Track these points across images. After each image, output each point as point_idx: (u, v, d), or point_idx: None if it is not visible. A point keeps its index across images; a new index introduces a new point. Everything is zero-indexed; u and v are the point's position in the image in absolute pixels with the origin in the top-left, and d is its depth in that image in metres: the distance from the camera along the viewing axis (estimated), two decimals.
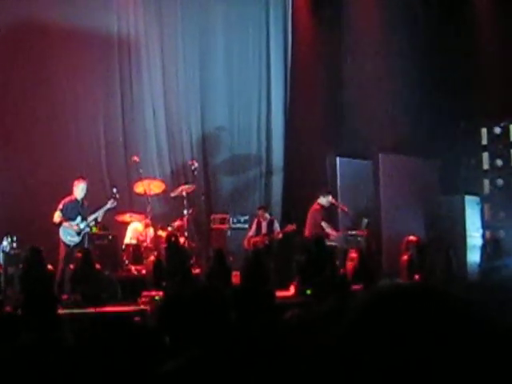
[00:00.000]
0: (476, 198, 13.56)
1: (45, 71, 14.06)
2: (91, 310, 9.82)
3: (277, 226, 13.91)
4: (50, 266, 10.98)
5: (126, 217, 13.48)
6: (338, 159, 14.65)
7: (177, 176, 15.35)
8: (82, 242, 11.58)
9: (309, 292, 10.46)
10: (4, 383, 2.75)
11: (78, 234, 11.52)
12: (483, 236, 13.26)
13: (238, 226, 14.30)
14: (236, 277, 11.02)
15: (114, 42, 15.11)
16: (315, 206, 13.11)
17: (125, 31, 15.23)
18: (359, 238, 13.25)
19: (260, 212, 14.08)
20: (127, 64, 15.24)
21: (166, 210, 14.35)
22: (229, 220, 14.26)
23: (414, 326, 1.21)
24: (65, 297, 10.66)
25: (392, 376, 1.20)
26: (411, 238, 12.14)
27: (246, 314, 3.92)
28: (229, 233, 14.16)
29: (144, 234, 13.22)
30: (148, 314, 8.43)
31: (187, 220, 13.36)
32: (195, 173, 13.97)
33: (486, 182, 13.74)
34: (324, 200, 13.16)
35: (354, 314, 1.30)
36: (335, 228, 13.44)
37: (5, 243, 11.22)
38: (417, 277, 11.28)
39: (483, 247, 12.45)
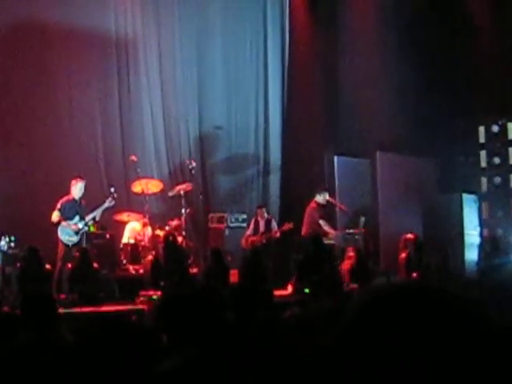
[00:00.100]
0: (474, 196, 13.56)
1: (43, 71, 14.05)
2: (89, 309, 9.83)
3: (274, 224, 13.91)
4: (47, 266, 10.98)
5: (124, 216, 13.48)
6: (335, 158, 14.66)
7: (174, 175, 15.35)
8: (80, 241, 11.57)
9: (307, 290, 10.48)
10: (2, 382, 2.75)
11: (77, 233, 11.51)
12: (481, 234, 13.26)
13: (236, 225, 14.30)
14: (234, 276, 11.03)
15: (112, 42, 15.10)
16: (312, 205, 13.11)
17: (122, 31, 15.22)
18: (357, 237, 13.25)
19: (259, 211, 14.07)
20: (125, 64, 15.24)
21: (164, 210, 14.35)
22: (227, 219, 14.26)
23: (410, 324, 1.21)
24: (63, 296, 10.66)
25: (390, 375, 1.19)
26: (409, 236, 12.15)
27: (244, 313, 3.92)
28: (227, 232, 14.15)
29: (142, 234, 13.22)
30: (145, 313, 8.43)
31: (185, 219, 13.36)
32: (193, 172, 13.96)
33: (484, 180, 13.74)
34: (320, 198, 13.16)
35: (351, 313, 1.30)
36: (333, 226, 13.44)
37: (2, 243, 11.21)
38: (414, 275, 11.29)
39: (481, 245, 12.45)
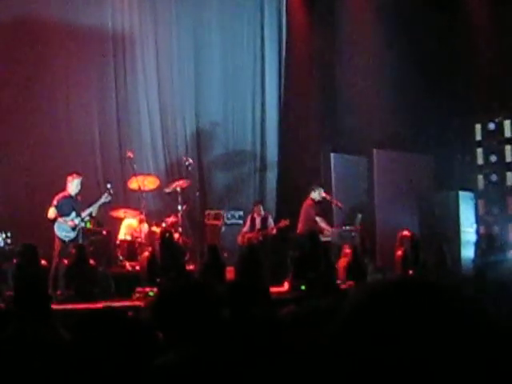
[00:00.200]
0: (470, 194, 13.58)
1: (40, 68, 14.04)
2: (85, 305, 9.81)
3: (271, 221, 13.91)
4: (44, 262, 10.97)
5: (120, 213, 13.47)
6: (332, 155, 14.66)
7: (171, 172, 15.35)
8: (77, 237, 11.55)
9: (303, 288, 10.48)
10: None
11: (73, 229, 11.49)
12: (477, 231, 13.28)
13: (233, 221, 14.30)
14: (230, 273, 11.02)
15: (109, 38, 15.09)
16: (308, 202, 13.11)
17: (119, 28, 15.20)
18: (353, 234, 13.26)
19: (255, 207, 14.07)
20: (122, 60, 15.23)
21: (160, 206, 14.35)
22: (223, 216, 14.25)
23: (408, 321, 1.20)
24: (59, 292, 10.66)
25: (387, 372, 1.19)
26: (405, 233, 12.15)
27: (241, 310, 3.91)
28: (223, 229, 14.15)
29: (138, 230, 13.21)
30: (141, 309, 8.43)
31: (181, 216, 13.36)
32: (189, 168, 13.96)
33: (480, 177, 13.76)
34: (316, 194, 13.15)
35: (347, 310, 1.29)
36: (329, 223, 13.45)
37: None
38: (411, 272, 11.30)
39: (477, 243, 12.46)
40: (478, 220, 13.50)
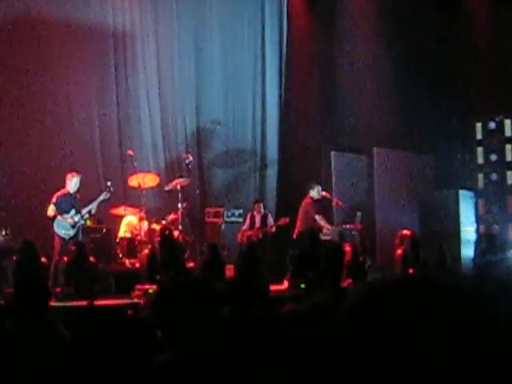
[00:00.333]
0: (470, 193, 13.57)
1: (40, 65, 14.04)
2: (84, 302, 9.80)
3: (270, 219, 13.91)
4: (43, 259, 10.96)
5: (121, 210, 13.48)
6: (332, 153, 14.65)
7: (171, 169, 15.36)
8: (76, 234, 11.56)
9: (303, 286, 10.46)
10: None
11: (73, 226, 11.49)
12: (477, 230, 13.27)
13: (233, 219, 14.30)
14: (230, 270, 11.01)
15: (110, 36, 15.09)
16: (306, 200, 13.12)
17: (120, 26, 15.20)
18: (353, 232, 13.26)
19: (255, 205, 14.07)
20: (122, 58, 15.23)
21: (161, 204, 14.36)
22: (223, 214, 14.25)
23: (408, 319, 1.20)
24: (58, 290, 10.65)
25: (388, 371, 1.19)
26: (405, 232, 12.11)
27: (240, 308, 3.91)
28: (223, 226, 14.15)
29: (138, 228, 13.22)
30: (141, 307, 8.42)
31: (181, 213, 13.36)
32: (190, 166, 13.96)
33: (481, 176, 13.74)
34: (314, 192, 13.15)
35: (347, 309, 1.29)
36: (329, 221, 13.44)
37: None
38: (411, 271, 11.28)
39: (477, 242, 12.44)
40: (478, 219, 13.49)
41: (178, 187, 13.46)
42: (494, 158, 13.54)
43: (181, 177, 13.86)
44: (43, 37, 14.15)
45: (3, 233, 11.56)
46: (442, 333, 1.18)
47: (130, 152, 13.37)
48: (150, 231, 13.09)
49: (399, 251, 11.85)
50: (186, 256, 12.71)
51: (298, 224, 13.00)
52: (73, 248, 11.17)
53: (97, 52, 14.87)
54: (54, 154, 13.76)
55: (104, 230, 13.10)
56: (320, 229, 12.86)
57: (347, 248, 12.25)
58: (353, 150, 14.90)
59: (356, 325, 1.25)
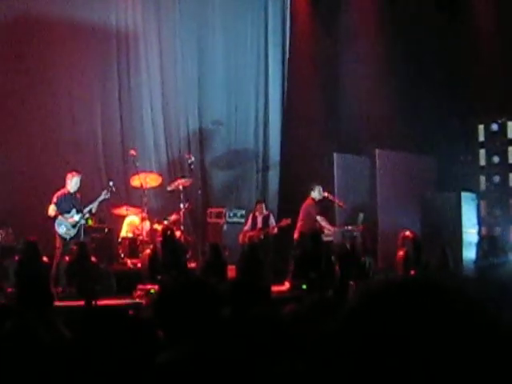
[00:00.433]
0: (472, 195, 13.55)
1: (43, 64, 14.04)
2: (86, 302, 9.80)
3: (272, 220, 13.91)
4: (45, 259, 10.97)
5: (123, 210, 13.49)
6: (334, 155, 14.64)
7: (173, 170, 15.36)
8: (77, 234, 11.56)
9: (304, 287, 10.46)
10: None
11: (74, 226, 11.50)
12: (479, 233, 13.25)
13: (235, 220, 14.31)
14: (231, 271, 11.02)
15: (113, 36, 15.10)
16: (308, 201, 13.12)
17: (123, 25, 15.21)
18: (355, 234, 13.25)
19: (257, 206, 14.07)
20: (125, 58, 15.24)
21: (163, 204, 14.36)
22: (225, 214, 14.26)
23: (409, 321, 1.20)
24: (60, 289, 10.66)
25: (389, 373, 1.19)
26: (407, 233, 12.11)
27: (241, 308, 3.91)
28: (225, 227, 14.16)
29: (140, 228, 13.23)
30: (143, 307, 8.43)
31: (183, 214, 13.36)
32: (192, 167, 13.97)
33: (483, 178, 13.72)
34: (316, 193, 13.16)
35: (348, 310, 1.29)
36: (331, 223, 13.44)
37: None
38: (412, 272, 11.28)
39: (479, 244, 12.43)
40: (480, 221, 13.47)
41: (180, 187, 13.47)
42: (496, 160, 13.52)
43: (183, 177, 13.87)
44: (45, 36, 14.16)
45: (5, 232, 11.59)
46: (442, 335, 1.18)
47: (133, 152, 13.37)
48: (152, 231, 13.10)
49: (401, 253, 11.85)
50: (187, 256, 12.72)
51: (300, 225, 13.00)
52: (75, 248, 11.18)
53: (99, 52, 14.88)
54: (55, 153, 13.77)
55: (106, 230, 13.11)
56: (321, 230, 12.86)
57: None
58: (355, 151, 14.88)
59: (357, 326, 1.25)
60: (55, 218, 11.40)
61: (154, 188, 13.90)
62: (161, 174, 14.33)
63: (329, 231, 13.09)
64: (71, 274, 10.84)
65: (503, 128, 13.44)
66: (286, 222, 13.52)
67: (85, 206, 11.70)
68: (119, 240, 13.27)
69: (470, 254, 12.61)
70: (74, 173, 11.69)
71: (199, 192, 14.70)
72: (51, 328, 3.45)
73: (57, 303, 8.66)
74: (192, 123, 15.97)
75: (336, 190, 14.16)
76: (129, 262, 12.88)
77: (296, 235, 12.99)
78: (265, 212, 14.00)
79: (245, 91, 16.64)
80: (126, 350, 2.43)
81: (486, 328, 1.21)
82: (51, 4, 14.12)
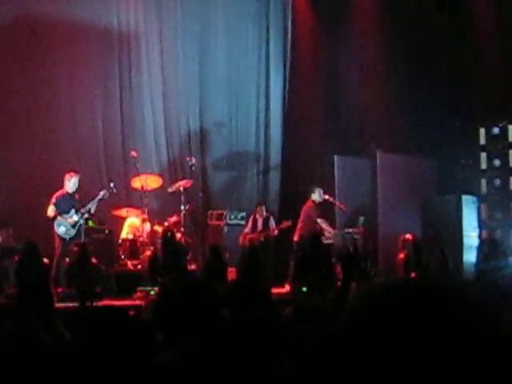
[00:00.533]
0: (473, 198, 13.54)
1: (44, 65, 14.05)
2: (86, 303, 9.80)
3: (273, 222, 13.90)
4: (45, 260, 10.97)
5: (123, 211, 13.49)
6: (335, 157, 14.64)
7: (174, 171, 15.36)
8: (77, 234, 11.56)
9: (304, 289, 10.45)
10: None
11: (73, 226, 11.50)
12: (480, 236, 13.24)
13: (235, 222, 14.30)
14: (232, 273, 11.02)
15: (114, 37, 15.11)
16: (309, 203, 13.13)
17: (125, 26, 15.22)
18: (356, 236, 13.25)
19: (258, 208, 14.06)
20: (126, 59, 15.24)
21: (163, 206, 14.36)
22: (226, 216, 14.25)
23: (410, 323, 1.20)
24: (60, 290, 10.66)
25: (390, 374, 1.19)
26: (407, 236, 12.11)
27: (242, 310, 3.91)
28: (225, 229, 14.15)
29: (140, 229, 13.22)
30: (143, 308, 8.42)
31: (184, 216, 13.36)
32: (193, 168, 13.97)
33: (484, 181, 13.71)
34: (316, 195, 13.16)
35: (349, 312, 1.29)
36: (332, 225, 13.43)
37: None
38: (413, 275, 11.27)
39: (479, 247, 12.42)
40: (481, 224, 13.46)
41: (181, 189, 13.47)
42: (497, 163, 13.50)
43: (184, 178, 13.87)
44: (47, 37, 14.17)
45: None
46: (443, 337, 1.18)
47: (133, 153, 13.38)
48: (153, 233, 13.10)
49: (401, 255, 11.85)
50: (188, 258, 12.72)
51: (300, 227, 13.00)
52: (75, 249, 11.17)
53: (101, 52, 14.89)
54: (56, 154, 13.76)
55: (106, 231, 13.11)
56: (322, 232, 12.86)
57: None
58: (356, 153, 14.88)
59: (358, 328, 1.24)
60: (54, 218, 11.40)
61: (154, 189, 13.90)
62: (161, 176, 14.33)
63: (329, 233, 13.09)
64: (71, 275, 10.84)
65: (504, 131, 13.44)
66: (286, 224, 13.52)
67: (83, 206, 11.68)
68: (119, 241, 13.27)
69: (470, 257, 12.60)
70: (72, 173, 11.69)
71: (200, 194, 14.71)
72: (51, 329, 3.45)
73: (56, 304, 8.67)
74: (193, 124, 15.97)
75: (336, 192, 14.15)
76: (129, 263, 12.87)
77: (296, 237, 12.99)
78: (265, 214, 14.00)
79: (246, 92, 16.64)
80: (126, 351, 2.43)
81: (486, 330, 1.21)
82: (52, 5, 14.12)
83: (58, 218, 11.40)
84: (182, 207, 13.34)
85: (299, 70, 16.53)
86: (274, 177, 16.62)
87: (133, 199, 13.98)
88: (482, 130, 13.69)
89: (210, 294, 3.04)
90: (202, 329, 2.81)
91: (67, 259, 11.16)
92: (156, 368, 2.26)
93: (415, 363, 1.17)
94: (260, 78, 16.77)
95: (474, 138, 13.76)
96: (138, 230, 13.26)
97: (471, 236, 13.18)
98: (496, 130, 13.54)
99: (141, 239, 13.11)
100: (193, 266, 12.76)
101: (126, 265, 12.89)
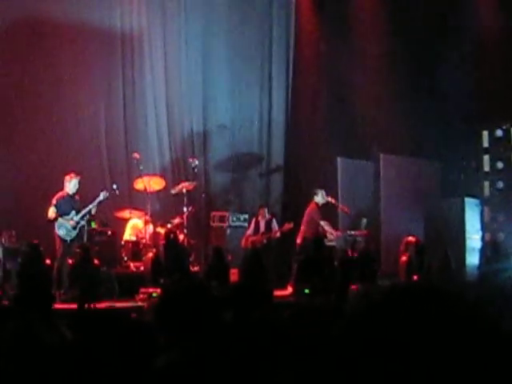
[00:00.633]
0: (476, 201, 13.54)
1: (47, 66, 14.05)
2: (88, 305, 9.80)
3: (275, 224, 13.89)
4: (48, 261, 10.98)
5: (126, 213, 13.49)
6: (338, 159, 14.63)
7: (177, 173, 15.35)
8: (78, 236, 11.55)
9: (307, 291, 10.45)
10: None
11: (74, 228, 11.49)
12: (483, 238, 13.24)
13: (238, 224, 14.29)
14: (234, 275, 11.02)
15: (117, 39, 15.12)
16: (312, 206, 13.11)
17: (128, 28, 15.22)
18: (358, 238, 13.24)
19: (260, 210, 14.06)
20: (130, 60, 15.25)
21: (166, 207, 14.34)
22: (228, 218, 14.25)
23: (411, 325, 1.19)
24: (62, 292, 10.67)
25: (391, 376, 1.18)
26: (410, 238, 12.12)
27: (244, 312, 3.91)
28: (228, 231, 14.15)
29: (143, 231, 13.22)
30: (145, 310, 8.42)
31: (187, 217, 13.36)
32: (195, 170, 13.98)
33: (487, 184, 13.71)
34: (319, 197, 13.15)
35: (351, 314, 1.29)
36: (334, 227, 13.42)
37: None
38: (415, 277, 11.27)
39: (482, 250, 12.42)
40: (484, 227, 13.46)
41: (184, 191, 13.47)
42: (500, 165, 13.50)
43: (187, 180, 13.88)
44: (51, 39, 14.17)
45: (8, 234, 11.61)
46: (444, 339, 1.18)
47: (136, 155, 13.37)
48: (155, 234, 13.10)
49: (404, 258, 11.85)
50: (190, 260, 12.72)
51: (303, 229, 12.99)
52: (78, 251, 11.18)
53: (104, 54, 14.89)
54: (59, 156, 13.76)
55: (109, 233, 13.11)
56: (324, 235, 12.86)
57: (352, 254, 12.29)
58: (359, 155, 14.87)
59: (360, 330, 1.24)
60: (55, 220, 11.39)
61: (157, 191, 13.89)
62: (164, 178, 14.33)
63: (332, 236, 13.08)
64: (74, 276, 10.85)
65: (507, 134, 13.44)
66: (288, 226, 13.51)
67: (84, 208, 11.67)
68: (122, 243, 13.27)
69: (473, 259, 12.61)
70: (72, 175, 11.68)
71: (203, 195, 14.70)
72: (52, 329, 3.45)
73: (59, 306, 8.68)
74: (196, 126, 15.97)
75: (339, 194, 14.14)
76: (132, 265, 12.88)
77: (299, 240, 12.98)
78: (267, 216, 13.99)
79: (249, 94, 16.63)
80: (127, 352, 2.43)
81: (487, 332, 1.20)
82: (55, 6, 14.13)
83: (59, 219, 11.39)
84: (185, 209, 13.34)
85: (302, 71, 16.53)
86: (277, 179, 16.61)
87: (136, 201, 13.97)
88: (485, 133, 13.70)
89: (211, 296, 3.03)
90: (203, 331, 2.80)
91: (70, 261, 11.17)
92: (155, 370, 2.26)
93: (416, 365, 1.17)
94: (263, 81, 16.77)
95: (478, 141, 13.76)
96: (141, 232, 13.26)
97: (474, 238, 13.18)
98: (499, 133, 13.55)
99: (143, 241, 13.10)
100: (195, 268, 12.77)
101: (128, 266, 12.89)
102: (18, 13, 13.79)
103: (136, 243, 13.18)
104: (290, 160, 16.50)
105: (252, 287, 4.52)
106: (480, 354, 1.17)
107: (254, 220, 13.96)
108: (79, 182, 11.66)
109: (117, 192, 12.34)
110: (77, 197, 11.69)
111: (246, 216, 14.40)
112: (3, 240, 11.65)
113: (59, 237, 11.36)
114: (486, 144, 13.74)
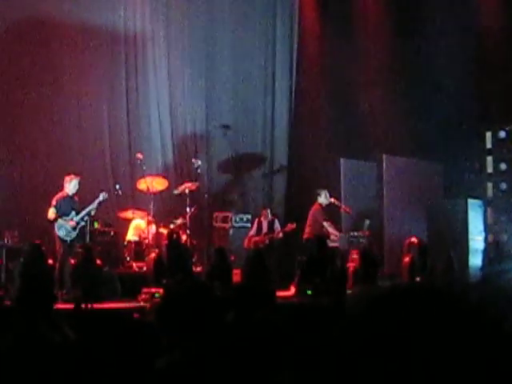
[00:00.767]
0: (479, 202, 13.52)
1: (50, 67, 14.09)
2: (91, 306, 9.81)
3: (278, 225, 13.90)
4: (50, 261, 10.98)
5: (129, 213, 13.50)
6: (341, 160, 14.62)
7: (180, 173, 15.37)
8: (78, 236, 11.55)
9: (309, 292, 10.45)
10: None
11: (74, 228, 11.48)
12: (486, 240, 13.22)
13: (240, 224, 14.30)
14: (237, 276, 11.02)
15: (121, 39, 15.14)
16: (315, 206, 13.11)
17: (131, 29, 15.25)
18: (361, 239, 13.23)
19: (263, 211, 14.07)
20: (133, 61, 15.28)
21: (169, 208, 14.35)
22: (231, 219, 14.26)
23: (413, 326, 1.19)
24: (64, 292, 10.67)
25: (392, 376, 1.18)
26: (413, 239, 12.10)
27: (246, 313, 3.91)
28: (231, 231, 14.16)
29: (146, 231, 13.24)
30: (147, 310, 8.42)
31: (189, 218, 13.37)
32: (198, 170, 13.98)
33: (490, 185, 13.68)
34: (322, 198, 13.15)
35: (353, 314, 1.28)
36: (337, 228, 13.42)
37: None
38: (418, 279, 11.26)
39: (485, 251, 12.41)
40: (487, 228, 13.44)
41: (187, 191, 13.48)
42: (503, 167, 13.47)
43: (189, 181, 13.89)
44: (54, 39, 14.21)
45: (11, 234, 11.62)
46: (446, 340, 1.17)
47: (139, 155, 13.39)
48: (158, 235, 13.11)
49: (407, 259, 11.84)
50: (193, 260, 12.73)
51: (307, 230, 12.99)
52: (80, 251, 11.19)
53: (108, 55, 14.92)
54: (62, 156, 13.79)
55: (112, 233, 13.13)
56: (328, 235, 12.86)
57: (355, 255, 12.28)
58: (362, 156, 14.86)
59: (361, 331, 1.24)
60: (55, 220, 11.39)
61: (160, 191, 13.90)
62: (167, 178, 14.34)
63: (335, 237, 13.08)
64: (76, 277, 10.85)
65: (511, 135, 13.41)
66: (290, 226, 13.51)
67: (84, 208, 11.65)
68: (125, 243, 13.29)
69: (476, 260, 12.60)
70: (72, 175, 11.67)
71: (205, 196, 14.71)
72: (55, 329, 3.45)
73: (61, 306, 8.68)
74: (199, 127, 15.99)
75: (342, 195, 14.13)
76: (134, 265, 12.89)
77: (304, 240, 12.97)
78: (270, 217, 13.99)
79: (252, 95, 16.64)
80: (129, 352, 2.43)
81: (490, 333, 1.20)
82: (58, 7, 14.15)
83: (59, 220, 11.38)
84: (188, 209, 13.35)
85: (305, 72, 16.53)
86: (280, 179, 16.62)
87: (138, 201, 13.99)
88: (489, 134, 13.67)
89: (214, 296, 3.03)
90: (205, 332, 2.80)
91: (72, 261, 11.17)
92: (156, 370, 2.25)
93: (417, 366, 1.16)
94: (266, 81, 16.78)
95: (481, 142, 13.74)
96: (144, 232, 13.28)
97: (477, 239, 13.16)
98: (502, 134, 13.52)
99: (146, 241, 13.12)
100: (198, 269, 12.78)
101: (131, 267, 12.91)
102: (20, 14, 13.81)
103: (139, 243, 13.19)
104: (293, 161, 16.51)
105: (254, 288, 4.51)
106: (482, 354, 1.17)
107: (256, 220, 13.97)
108: (79, 183, 11.66)
109: (120, 192, 12.34)
110: (76, 197, 11.68)
111: (249, 216, 14.41)
112: (6, 240, 11.67)
113: (59, 237, 11.36)
114: (489, 145, 13.71)
